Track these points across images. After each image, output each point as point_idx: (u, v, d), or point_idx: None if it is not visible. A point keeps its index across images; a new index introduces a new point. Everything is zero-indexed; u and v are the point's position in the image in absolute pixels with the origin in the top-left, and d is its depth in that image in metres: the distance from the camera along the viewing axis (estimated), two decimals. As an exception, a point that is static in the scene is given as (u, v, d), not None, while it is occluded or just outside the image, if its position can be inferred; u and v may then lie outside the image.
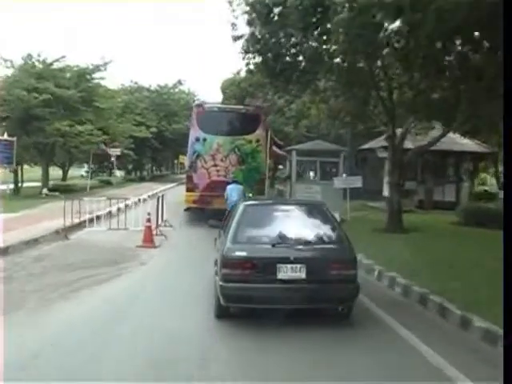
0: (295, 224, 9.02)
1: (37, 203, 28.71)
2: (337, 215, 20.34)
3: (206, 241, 15.46)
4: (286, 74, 19.61)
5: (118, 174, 72.63)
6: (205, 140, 22.15)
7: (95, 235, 18.63)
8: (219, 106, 25.75)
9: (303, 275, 8.07)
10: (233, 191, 18.14)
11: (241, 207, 9.33)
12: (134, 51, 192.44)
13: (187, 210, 24.40)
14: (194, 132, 22.64)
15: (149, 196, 35.87)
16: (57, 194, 34.85)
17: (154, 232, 18.18)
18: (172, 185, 55.90)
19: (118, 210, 21.47)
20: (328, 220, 9.11)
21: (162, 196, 21.16)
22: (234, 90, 43.65)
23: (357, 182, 22.88)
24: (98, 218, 21.04)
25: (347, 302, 8.56)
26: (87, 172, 58.79)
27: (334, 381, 6.52)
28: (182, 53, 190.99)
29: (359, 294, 8.74)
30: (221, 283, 8.31)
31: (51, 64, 33.71)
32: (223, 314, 8.68)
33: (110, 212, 21.77)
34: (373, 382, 6.57)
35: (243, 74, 39.16)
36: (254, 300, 8.25)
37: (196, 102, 31.60)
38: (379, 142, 29.96)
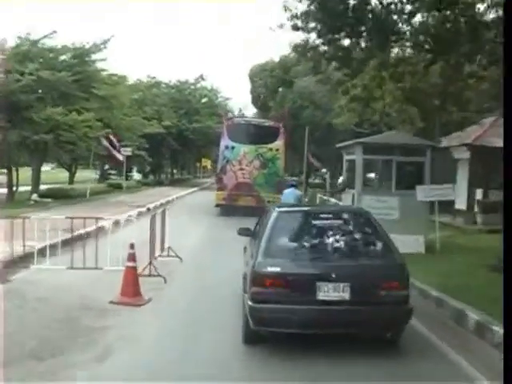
0: (337, 235, 7.53)
1: (13, 213, 21.78)
2: (421, 240, 15.10)
3: (234, 290, 9.71)
4: (351, 19, 12.69)
5: (136, 176, 66.63)
6: (233, 148, 25.71)
7: (48, 277, 11.21)
8: (246, 119, 30.43)
9: (347, 296, 6.84)
10: (289, 196, 15.39)
11: (273, 214, 7.94)
12: (152, 46, 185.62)
13: (217, 206, 26.92)
14: (224, 141, 26.37)
15: (156, 206, 29.10)
16: (48, 200, 28.22)
17: (147, 271, 11.15)
18: (192, 190, 49.42)
19: (99, 230, 14.34)
20: (375, 230, 7.65)
21: (163, 211, 13.76)
22: (264, 77, 36.58)
23: (448, 192, 15.62)
24: (56, 246, 13.08)
25: (397, 328, 7.24)
26: (102, 174, 52.28)
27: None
28: (205, 47, 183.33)
29: (411, 317, 7.32)
30: (250, 303, 7.03)
31: (37, 42, 26.67)
32: (252, 339, 7.35)
33: (80, 235, 13.89)
34: (373, 382, 6.10)
35: (276, 58, 32.56)
36: (289, 324, 6.92)
37: (228, 116, 35.66)
38: (452, 139, 23.02)
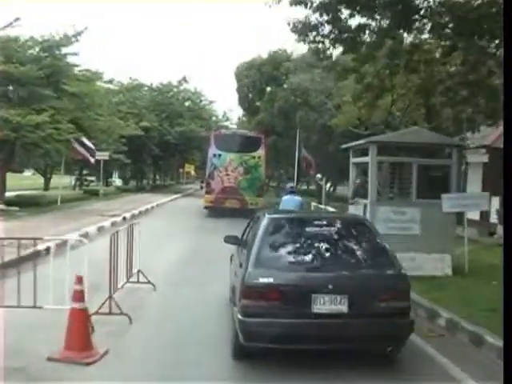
0: (333, 243, 7.06)
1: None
2: (447, 259, 12.31)
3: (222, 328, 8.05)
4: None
5: (118, 182, 63.72)
6: (220, 156, 28.00)
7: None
8: (231, 131, 34.55)
9: (345, 308, 6.36)
10: (289, 204, 13.69)
11: (264, 221, 7.29)
12: (135, 48, 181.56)
13: (206, 208, 28.80)
14: (212, 150, 28.68)
15: (134, 215, 26.26)
16: (15, 208, 25.19)
17: (106, 307, 8.34)
18: (174, 196, 46.62)
19: (39, 254, 11.42)
20: (374, 239, 7.18)
21: (131, 227, 10.68)
22: (252, 75, 33.84)
23: (482, 202, 12.96)
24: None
25: (398, 342, 6.74)
26: (78, 180, 49.22)
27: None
28: (188, 49, 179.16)
29: (413, 331, 6.82)
30: (240, 317, 6.43)
31: (-4, 30, 23.68)
32: (242, 354, 6.79)
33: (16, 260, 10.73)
34: (373, 382, 5.90)
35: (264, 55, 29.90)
36: (282, 339, 6.34)
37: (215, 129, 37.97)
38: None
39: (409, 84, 15.50)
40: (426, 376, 6.42)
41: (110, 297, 8.36)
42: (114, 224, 21.94)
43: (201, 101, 59.71)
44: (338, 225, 7.54)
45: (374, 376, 6.52)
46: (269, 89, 31.83)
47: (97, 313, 8.10)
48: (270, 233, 7.14)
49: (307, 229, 7.32)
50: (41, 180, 52.87)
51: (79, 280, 6.92)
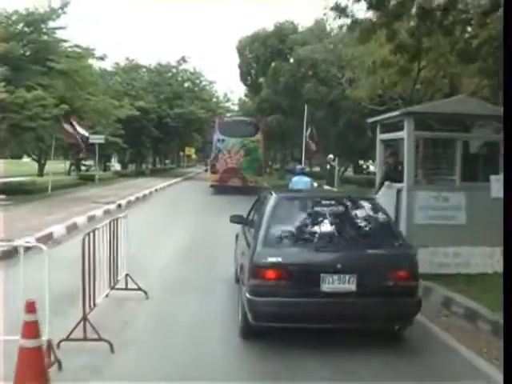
0: (341, 223, 6.96)
1: None
2: (497, 254, 9.71)
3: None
4: None
5: (117, 167, 61.65)
6: (223, 140, 30.67)
7: None
8: (233, 119, 35.80)
9: (353, 287, 6.25)
10: (299, 183, 13.47)
11: (272, 200, 7.18)
12: (131, 28, 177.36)
13: (212, 186, 31.41)
14: (216, 135, 31.34)
15: (130, 201, 24.24)
16: (2, 197, 23.17)
17: (80, 332, 6.35)
18: (174, 180, 44.52)
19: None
20: (383, 218, 7.08)
21: (114, 222, 8.52)
22: (255, 49, 31.52)
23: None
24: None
25: (405, 321, 6.64)
26: (73, 164, 47.04)
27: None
28: (187, 26, 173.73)
29: (420, 309, 6.65)
30: (249, 296, 6.33)
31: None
32: (250, 333, 6.71)
33: None
34: (373, 383, 5.60)
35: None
36: (291, 318, 6.31)
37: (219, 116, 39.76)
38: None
39: (440, 49, 13.28)
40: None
41: (85, 318, 6.30)
42: (107, 212, 19.94)
43: (201, 81, 57.42)
44: (346, 204, 7.41)
45: (384, 352, 6.47)
46: (273, 64, 29.49)
47: (68, 339, 6.11)
48: (277, 212, 6.97)
49: (315, 208, 7.19)
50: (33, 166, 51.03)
51: (30, 308, 4.86)
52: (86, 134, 25.41)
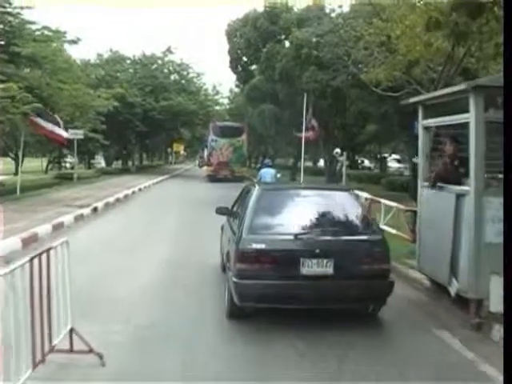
0: (320, 212, 7.47)
1: None
2: None
3: None
4: None
5: (103, 164, 58.54)
6: (216, 140, 39.51)
7: None
8: (224, 123, 44.14)
9: (330, 270, 6.76)
10: (266, 174, 17.34)
11: (256, 191, 7.72)
12: (114, 17, 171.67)
13: (208, 176, 39.70)
14: (210, 136, 40.43)
15: (108, 203, 21.15)
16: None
17: None
18: (161, 178, 41.71)
19: None
20: (357, 208, 7.76)
21: (47, 253, 5.49)
22: (247, 33, 28.37)
23: None
24: None
25: (379, 301, 7.19)
26: (51, 162, 43.84)
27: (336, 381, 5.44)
28: (172, 14, 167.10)
29: (392, 290, 7.09)
30: (235, 280, 6.82)
31: None
32: (236, 314, 7.18)
33: None
34: (373, 382, 5.52)
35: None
36: (273, 299, 6.81)
37: (213, 121, 45.23)
38: None
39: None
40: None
41: None
42: (79, 218, 17.00)
43: (188, 73, 54.09)
44: (325, 195, 8.16)
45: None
46: (265, 50, 26.32)
47: None
48: (261, 203, 7.42)
49: (295, 199, 7.92)
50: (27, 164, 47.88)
51: None
52: (61, 122, 22.15)
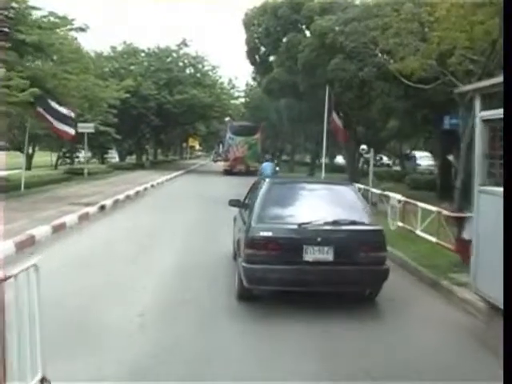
0: (322, 204, 8.23)
1: None
2: None
3: None
4: None
5: (117, 159, 57.26)
6: (233, 138, 42.87)
7: None
8: (241, 123, 46.86)
9: (330, 257, 7.36)
10: (267, 167, 20.26)
11: (265, 185, 8.37)
12: (130, 10, 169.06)
13: (225, 170, 42.75)
14: (228, 134, 43.94)
15: (117, 201, 19.76)
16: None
17: None
18: (176, 174, 40.47)
19: None
20: (357, 201, 8.27)
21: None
22: (265, 21, 26.75)
23: None
24: None
25: (375, 286, 7.88)
26: (60, 157, 42.66)
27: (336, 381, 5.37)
28: (187, 6, 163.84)
29: (388, 276, 7.64)
30: (244, 264, 7.47)
31: None
32: (245, 295, 7.82)
33: None
34: (375, 382, 5.41)
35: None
36: (278, 282, 7.45)
37: (230, 120, 53.47)
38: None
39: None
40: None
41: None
42: (83, 218, 15.68)
43: (203, 66, 52.69)
44: (328, 189, 8.88)
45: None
46: (286, 38, 24.66)
47: None
48: (270, 195, 8.02)
49: (301, 192, 8.56)
50: (38, 158, 46.83)
51: None
52: (72, 114, 20.85)
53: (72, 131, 21.30)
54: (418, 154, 41.40)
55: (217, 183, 33.45)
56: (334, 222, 7.54)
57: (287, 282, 7.39)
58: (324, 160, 22.78)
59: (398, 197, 12.59)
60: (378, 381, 5.43)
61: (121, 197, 21.22)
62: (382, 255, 7.61)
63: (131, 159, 58.15)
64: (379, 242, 7.63)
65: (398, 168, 43.67)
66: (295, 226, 7.44)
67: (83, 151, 62.76)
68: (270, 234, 7.38)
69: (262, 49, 28.34)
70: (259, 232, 7.40)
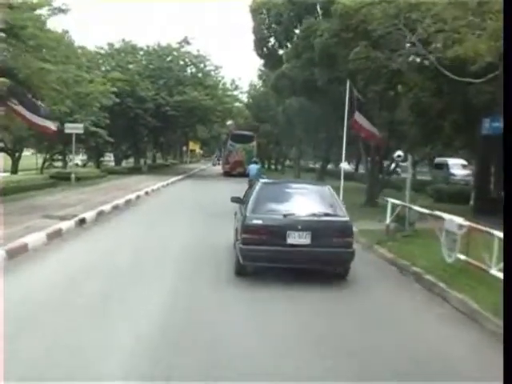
0: (303, 200, 10.17)
1: None
2: None
3: None
4: None
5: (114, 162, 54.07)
6: (233, 145, 48.52)
7: None
8: (239, 131, 52.42)
9: (308, 241, 9.08)
10: (253, 169, 24.33)
11: (259, 185, 10.45)
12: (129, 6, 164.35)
13: (225, 172, 48.48)
14: (229, 142, 49.90)
15: (101, 212, 16.50)
16: None
17: None
18: (174, 179, 37.56)
19: None
20: (330, 198, 10.08)
21: None
22: (278, 5, 23.34)
23: None
24: None
25: (344, 265, 9.56)
26: (47, 160, 39.40)
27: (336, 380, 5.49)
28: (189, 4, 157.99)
29: (354, 257, 9.38)
30: (241, 246, 9.25)
31: None
32: (241, 271, 9.52)
33: None
34: (373, 382, 5.54)
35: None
36: (267, 260, 9.23)
37: (231, 129, 59.05)
38: None
39: None
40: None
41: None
42: (53, 236, 12.59)
43: (205, 66, 49.60)
44: (308, 188, 11.16)
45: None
46: (300, 27, 21.36)
47: None
48: (261, 192, 10.02)
49: (287, 190, 10.64)
50: (30, 161, 43.84)
51: None
52: (45, 110, 17.84)
53: (53, 126, 18.27)
54: (450, 161, 35.40)
55: (217, 189, 30.11)
56: (312, 214, 9.42)
57: (273, 259, 9.13)
58: (343, 166, 19.69)
59: (459, 221, 9.38)
60: (378, 381, 5.53)
61: (107, 207, 18.13)
62: (349, 240, 9.32)
63: (129, 163, 55.15)
64: (347, 230, 9.37)
65: (419, 177, 38.83)
66: (281, 216, 9.26)
67: (81, 154, 60.00)
68: (260, 222, 9.17)
69: (272, 40, 24.96)
70: (252, 220, 9.20)
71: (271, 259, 9.09)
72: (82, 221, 15.06)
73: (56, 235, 12.74)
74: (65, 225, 13.86)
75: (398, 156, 14.13)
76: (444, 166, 35.53)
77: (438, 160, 35.93)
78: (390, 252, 11.76)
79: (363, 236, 13.96)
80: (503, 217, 5.03)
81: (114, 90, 30.16)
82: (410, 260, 10.66)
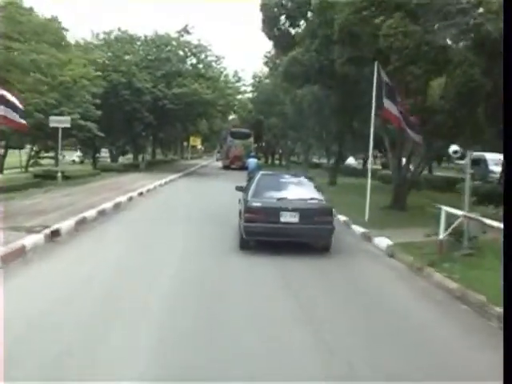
0: (293, 187, 12.52)
1: None
2: None
3: None
4: None
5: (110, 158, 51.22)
6: (232, 141, 53.59)
7: None
8: (238, 130, 56.61)
9: (297, 219, 11.24)
10: (252, 162, 28.19)
11: (258, 176, 12.90)
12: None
13: (224, 166, 53.28)
14: (229, 138, 54.59)
15: (80, 221, 13.38)
16: None
17: None
18: (173, 177, 34.72)
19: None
20: (314, 186, 12.72)
21: None
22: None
23: None
24: None
25: (326, 239, 11.77)
26: (32, 157, 36.51)
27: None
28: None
29: (333, 232, 11.60)
30: (244, 223, 11.34)
31: None
32: (245, 245, 11.54)
33: None
34: (376, 382, 5.43)
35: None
36: (264, 234, 11.29)
37: (229, 128, 62.08)
38: None
39: None
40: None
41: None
42: (11, 257, 9.70)
43: (206, 56, 46.51)
44: (296, 178, 13.38)
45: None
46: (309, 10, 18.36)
47: None
48: (260, 181, 12.40)
49: (280, 179, 12.96)
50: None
51: None
52: (17, 102, 14.98)
53: (23, 121, 15.40)
54: (488, 156, 30.36)
55: (217, 189, 27.12)
56: (300, 198, 11.76)
57: (269, 234, 11.27)
58: (370, 164, 16.80)
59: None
60: (377, 380, 5.49)
61: (91, 213, 15.25)
62: (329, 219, 11.53)
63: (127, 159, 52.37)
64: (327, 210, 11.64)
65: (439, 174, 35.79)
66: (275, 200, 11.55)
67: (78, 150, 56.87)
68: (259, 204, 11.39)
69: (283, 18, 21.78)
70: (253, 203, 11.45)
71: (268, 234, 11.24)
72: (55, 233, 12.18)
73: (15, 256, 9.88)
74: (31, 240, 10.99)
75: (455, 152, 11.17)
76: (481, 162, 30.82)
77: (474, 155, 31.81)
78: (451, 279, 8.83)
79: (405, 252, 11.16)
80: (503, 216, 4.96)
81: (98, 73, 27.00)
82: (486, 293, 7.77)
